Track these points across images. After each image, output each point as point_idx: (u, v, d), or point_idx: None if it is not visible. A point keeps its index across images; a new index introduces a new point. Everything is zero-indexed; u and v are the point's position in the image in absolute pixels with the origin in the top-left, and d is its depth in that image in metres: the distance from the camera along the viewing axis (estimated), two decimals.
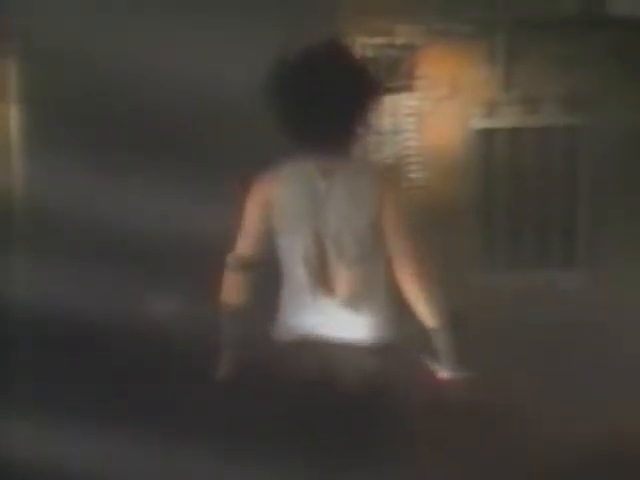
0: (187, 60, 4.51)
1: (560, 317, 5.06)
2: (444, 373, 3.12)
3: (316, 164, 3.08)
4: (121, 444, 3.90)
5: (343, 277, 3.10)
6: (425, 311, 3.09)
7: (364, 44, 5.32)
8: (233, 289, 3.18)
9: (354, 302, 3.11)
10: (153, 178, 4.39)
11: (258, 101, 3.77)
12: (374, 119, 3.17)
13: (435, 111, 5.42)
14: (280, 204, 3.12)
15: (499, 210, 5.45)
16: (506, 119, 5.41)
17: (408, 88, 5.38)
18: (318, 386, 3.11)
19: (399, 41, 5.36)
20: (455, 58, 5.38)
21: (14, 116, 4.93)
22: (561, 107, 5.36)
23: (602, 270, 5.23)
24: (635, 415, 4.44)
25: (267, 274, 3.17)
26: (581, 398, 4.56)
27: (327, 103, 3.02)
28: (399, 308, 3.14)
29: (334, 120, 3.05)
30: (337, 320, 3.12)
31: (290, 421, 3.19)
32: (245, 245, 3.17)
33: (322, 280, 3.10)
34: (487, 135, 5.42)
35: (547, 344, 4.96)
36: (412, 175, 5.38)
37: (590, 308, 5.03)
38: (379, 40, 5.36)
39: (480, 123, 5.41)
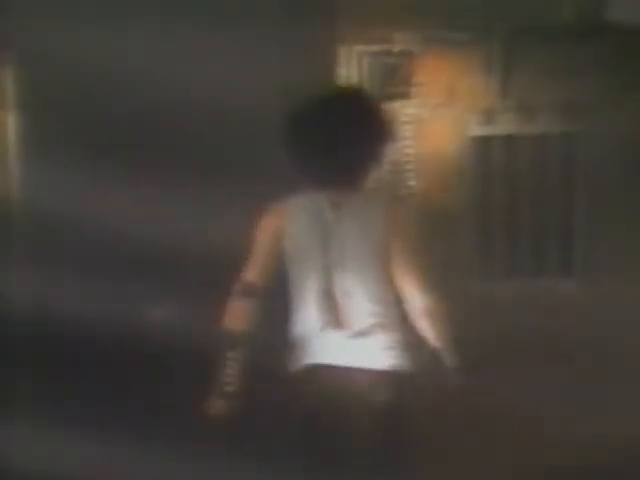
0: (187, 66, 4.51)
1: (559, 324, 5.07)
2: (452, 386, 3.14)
3: (326, 197, 3.13)
4: (120, 448, 3.89)
5: (351, 308, 3.13)
6: (430, 336, 3.13)
7: (362, 52, 5.34)
8: (237, 315, 3.20)
9: (362, 333, 3.13)
10: (152, 184, 4.39)
11: (259, 108, 3.78)
12: (384, 157, 3.23)
13: (432, 118, 5.43)
14: (290, 235, 3.17)
15: (496, 217, 5.45)
16: (503, 126, 5.41)
17: (405, 95, 5.38)
18: (326, 416, 3.13)
19: (396, 48, 5.37)
20: (452, 65, 5.39)
21: (12, 122, 4.92)
22: (558, 115, 5.37)
23: (601, 277, 5.22)
24: (635, 421, 4.44)
25: (276, 304, 3.19)
26: (580, 403, 4.57)
27: (340, 145, 3.08)
28: (410, 334, 3.16)
29: (346, 160, 3.11)
30: (346, 350, 3.14)
31: (296, 451, 3.20)
32: (253, 273, 3.21)
33: (330, 311, 3.14)
34: (484, 142, 5.43)
35: (545, 351, 4.96)
36: (409, 182, 5.38)
37: (589, 315, 5.04)
38: (377, 47, 5.37)
39: (477, 130, 5.41)
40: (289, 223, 3.16)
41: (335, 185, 3.11)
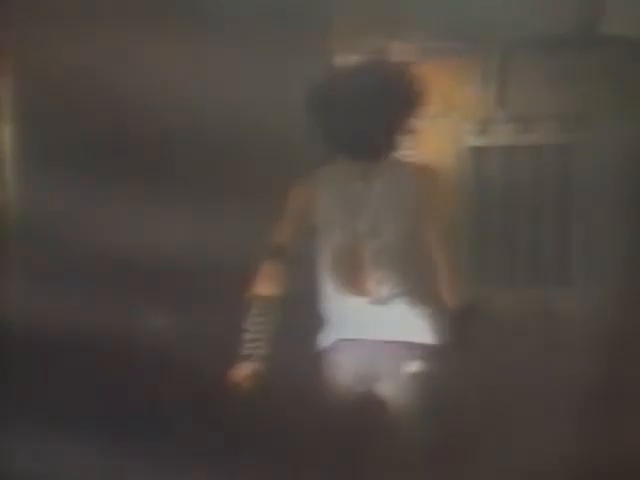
0: (187, 77, 4.50)
1: (555, 333, 5.08)
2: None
3: (355, 166, 3.13)
4: (119, 457, 3.89)
5: (379, 278, 3.12)
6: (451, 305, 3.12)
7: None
8: (267, 279, 3.20)
9: (389, 301, 3.13)
10: (151, 195, 4.38)
11: (254, 119, 3.75)
12: (414, 124, 3.23)
13: (429, 129, 5.43)
14: (319, 204, 3.17)
15: (493, 227, 5.45)
16: (500, 137, 5.43)
17: None
18: (355, 393, 3.14)
19: (393, 59, 5.37)
20: (449, 76, 5.39)
21: (8, 134, 4.90)
22: (555, 125, 5.38)
23: (598, 286, 5.23)
24: (633, 431, 4.44)
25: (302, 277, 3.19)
26: (576, 412, 4.57)
27: (368, 112, 3.08)
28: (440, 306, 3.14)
29: (374, 128, 3.10)
30: (373, 320, 3.14)
31: (323, 431, 3.20)
32: (282, 236, 3.21)
33: (357, 279, 3.13)
34: (481, 153, 5.44)
35: (542, 359, 4.97)
36: None
37: (585, 324, 5.06)
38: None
39: (474, 141, 5.42)
40: (318, 192, 3.17)
41: (364, 154, 3.12)
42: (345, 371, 3.17)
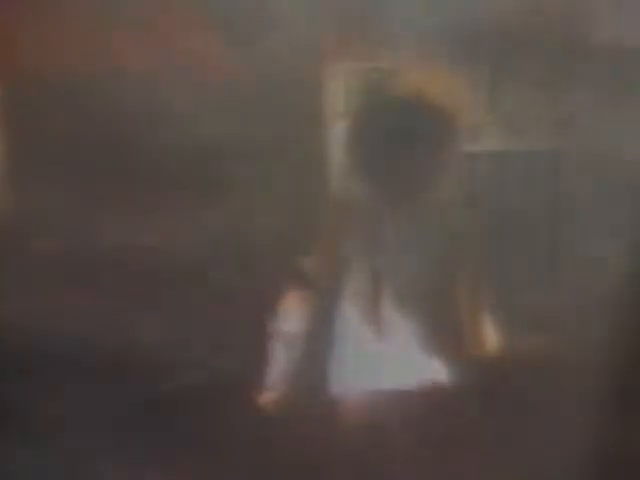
0: (186, 80, 4.51)
1: (547, 336, 5.08)
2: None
3: (385, 202, 3.12)
4: (119, 458, 3.87)
5: (400, 317, 3.10)
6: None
7: (347, 69, 5.35)
8: (292, 311, 3.17)
9: (406, 348, 3.11)
10: (142, 200, 4.37)
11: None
12: (450, 162, 3.23)
13: None
14: (343, 235, 3.14)
15: (485, 232, 5.45)
16: (491, 143, 5.44)
17: None
18: (366, 436, 3.10)
19: (382, 65, 5.39)
20: (439, 81, 5.40)
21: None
22: (546, 131, 5.40)
23: (589, 291, 5.24)
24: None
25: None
26: (569, 419, 4.57)
27: (406, 149, 3.07)
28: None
29: (410, 165, 3.10)
30: (389, 367, 3.11)
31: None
32: (310, 263, 3.18)
33: (373, 320, 3.11)
34: (472, 158, 5.44)
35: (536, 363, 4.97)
36: None
37: (577, 328, 5.06)
38: (362, 65, 5.38)
39: (465, 146, 5.42)
40: (344, 225, 3.15)
41: (396, 190, 3.12)
42: (357, 413, 3.15)
